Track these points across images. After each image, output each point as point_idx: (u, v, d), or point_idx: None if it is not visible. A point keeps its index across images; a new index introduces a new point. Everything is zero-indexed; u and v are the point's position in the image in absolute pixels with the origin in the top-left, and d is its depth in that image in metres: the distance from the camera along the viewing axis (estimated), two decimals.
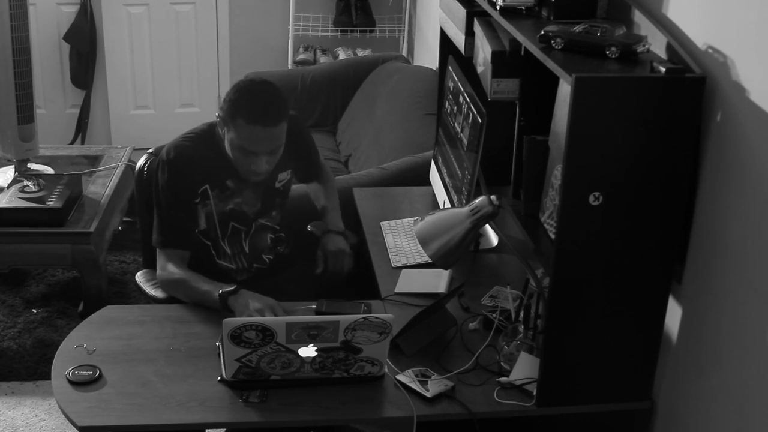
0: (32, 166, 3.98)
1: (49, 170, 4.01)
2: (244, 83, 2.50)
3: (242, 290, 2.37)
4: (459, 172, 2.66)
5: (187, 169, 2.54)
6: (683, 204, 1.94)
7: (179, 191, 2.54)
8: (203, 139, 2.59)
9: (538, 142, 2.33)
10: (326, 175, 2.94)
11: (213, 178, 2.57)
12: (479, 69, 2.62)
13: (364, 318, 2.01)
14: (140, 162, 2.84)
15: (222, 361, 2.14)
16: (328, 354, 2.06)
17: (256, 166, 2.49)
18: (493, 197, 2.18)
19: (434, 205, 3.00)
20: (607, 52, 1.94)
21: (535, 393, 2.08)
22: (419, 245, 2.30)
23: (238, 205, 2.62)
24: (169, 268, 2.53)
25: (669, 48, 1.97)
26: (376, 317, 2.01)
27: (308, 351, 2.05)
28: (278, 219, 2.73)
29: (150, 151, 2.84)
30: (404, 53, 5.29)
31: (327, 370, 2.09)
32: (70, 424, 2.03)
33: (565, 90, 2.20)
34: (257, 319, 1.98)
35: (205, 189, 2.56)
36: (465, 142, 2.61)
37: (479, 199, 2.20)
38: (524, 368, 2.14)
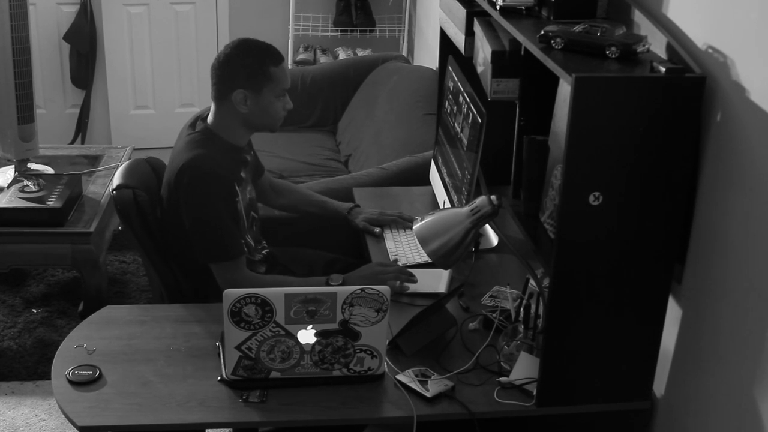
0: (32, 166, 3.98)
1: (49, 170, 4.01)
2: (242, 45, 2.64)
3: (345, 277, 2.50)
4: (459, 172, 2.66)
5: (220, 174, 2.52)
6: (683, 204, 1.94)
7: (225, 199, 2.53)
8: (211, 144, 2.57)
9: (538, 142, 2.33)
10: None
11: (236, 175, 2.59)
12: (479, 69, 2.62)
13: (360, 289, 2.02)
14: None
15: (222, 359, 2.14)
16: (327, 341, 2.07)
17: (289, 103, 2.62)
18: (493, 197, 2.17)
19: (434, 205, 3.00)
20: (607, 52, 1.94)
21: (535, 393, 2.08)
22: (419, 245, 2.30)
23: (251, 192, 2.69)
24: (245, 275, 2.52)
25: (669, 48, 1.97)
26: (372, 288, 2.03)
27: (307, 335, 2.05)
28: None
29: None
30: (404, 53, 5.29)
31: (326, 363, 2.10)
32: (70, 424, 2.03)
33: (565, 90, 2.20)
34: (257, 290, 2.00)
35: (234, 187, 2.57)
36: (465, 142, 2.61)
37: (479, 199, 2.20)
38: (524, 368, 2.14)
